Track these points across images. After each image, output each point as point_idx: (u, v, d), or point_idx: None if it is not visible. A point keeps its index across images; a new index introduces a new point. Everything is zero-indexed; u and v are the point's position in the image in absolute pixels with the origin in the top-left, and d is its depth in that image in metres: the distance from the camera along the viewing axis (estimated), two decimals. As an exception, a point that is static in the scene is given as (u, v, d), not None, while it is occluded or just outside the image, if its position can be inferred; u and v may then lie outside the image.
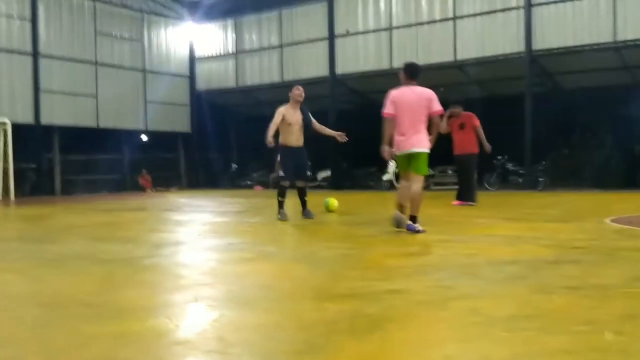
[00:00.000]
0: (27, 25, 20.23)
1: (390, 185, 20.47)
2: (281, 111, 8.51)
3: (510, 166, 18.58)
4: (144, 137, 24.99)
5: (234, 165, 25.60)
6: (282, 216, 8.45)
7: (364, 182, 21.67)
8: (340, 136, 8.62)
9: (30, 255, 5.47)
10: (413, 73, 6.82)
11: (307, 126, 8.62)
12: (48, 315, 3.15)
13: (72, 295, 3.66)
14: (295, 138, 8.54)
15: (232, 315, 3.09)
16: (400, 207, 6.63)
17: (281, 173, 8.54)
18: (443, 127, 9.63)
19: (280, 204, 8.57)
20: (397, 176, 20.48)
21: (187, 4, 25.09)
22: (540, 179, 17.62)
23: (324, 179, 22.34)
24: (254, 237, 6.72)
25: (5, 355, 2.47)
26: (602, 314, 2.97)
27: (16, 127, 18.82)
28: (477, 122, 11.32)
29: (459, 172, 11.85)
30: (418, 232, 6.38)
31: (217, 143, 25.64)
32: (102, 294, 3.66)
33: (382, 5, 20.75)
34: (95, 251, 5.67)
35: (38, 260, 5.16)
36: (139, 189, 22.82)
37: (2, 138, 18.41)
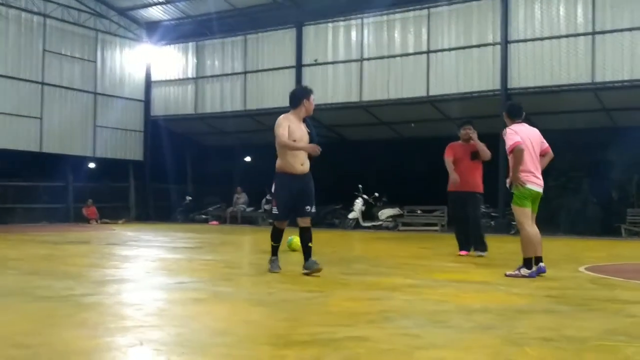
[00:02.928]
0: (-31, 39, 19.99)
1: (356, 224, 20.55)
2: (283, 122, 6.75)
3: (482, 208, 18.82)
4: (92, 164, 24.64)
5: (189, 198, 25.39)
6: (273, 266, 7.00)
7: (328, 220, 21.70)
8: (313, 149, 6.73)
9: (-42, 290, 5.30)
10: (516, 113, 7.29)
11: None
12: (-25, 357, 3.05)
13: (4, 335, 3.55)
14: (299, 161, 6.80)
15: (181, 361, 3.03)
16: (531, 257, 6.82)
17: (274, 210, 6.98)
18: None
19: (274, 251, 7.08)
20: (364, 214, 20.75)
21: (145, 24, 25.13)
22: (513, 223, 17.84)
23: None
24: (208, 276, 6.64)
25: None
26: (575, 367, 3.00)
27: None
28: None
29: (466, 213, 9.75)
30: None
31: (172, 173, 25.43)
32: (38, 335, 3.56)
33: (353, 35, 21.08)
34: (32, 287, 5.52)
35: (-33, 295, 5.01)
36: (83, 220, 22.39)
37: None
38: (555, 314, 4.53)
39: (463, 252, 9.71)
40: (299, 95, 6.99)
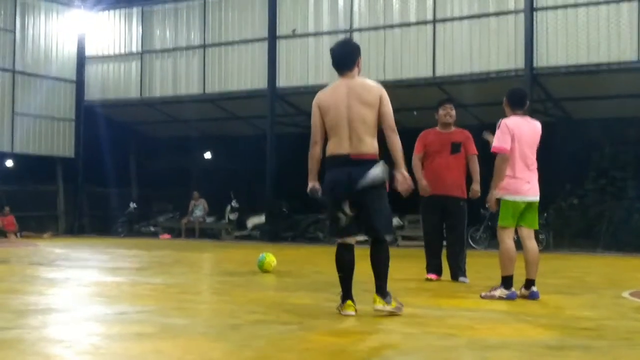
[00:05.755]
0: None
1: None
2: None
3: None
4: (9, 162, 24.44)
5: (133, 205, 25.23)
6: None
7: (310, 233, 21.66)
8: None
9: None
10: (517, 101, 7.51)
11: None
12: None
13: None
14: None
15: (121, 413, 3.03)
16: (510, 274, 7.26)
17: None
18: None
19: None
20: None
21: (78, -16, 24.99)
22: (541, 236, 17.87)
23: (256, 227, 22.23)
24: (156, 304, 6.62)
25: None
26: (614, 417, 3.04)
27: None
28: (475, 149, 9.22)
29: (445, 226, 9.36)
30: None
31: (112, 173, 25.26)
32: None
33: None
34: None
35: None
36: (-2, 233, 22.27)
37: None
38: (591, 350, 4.56)
39: (433, 276, 9.17)
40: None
